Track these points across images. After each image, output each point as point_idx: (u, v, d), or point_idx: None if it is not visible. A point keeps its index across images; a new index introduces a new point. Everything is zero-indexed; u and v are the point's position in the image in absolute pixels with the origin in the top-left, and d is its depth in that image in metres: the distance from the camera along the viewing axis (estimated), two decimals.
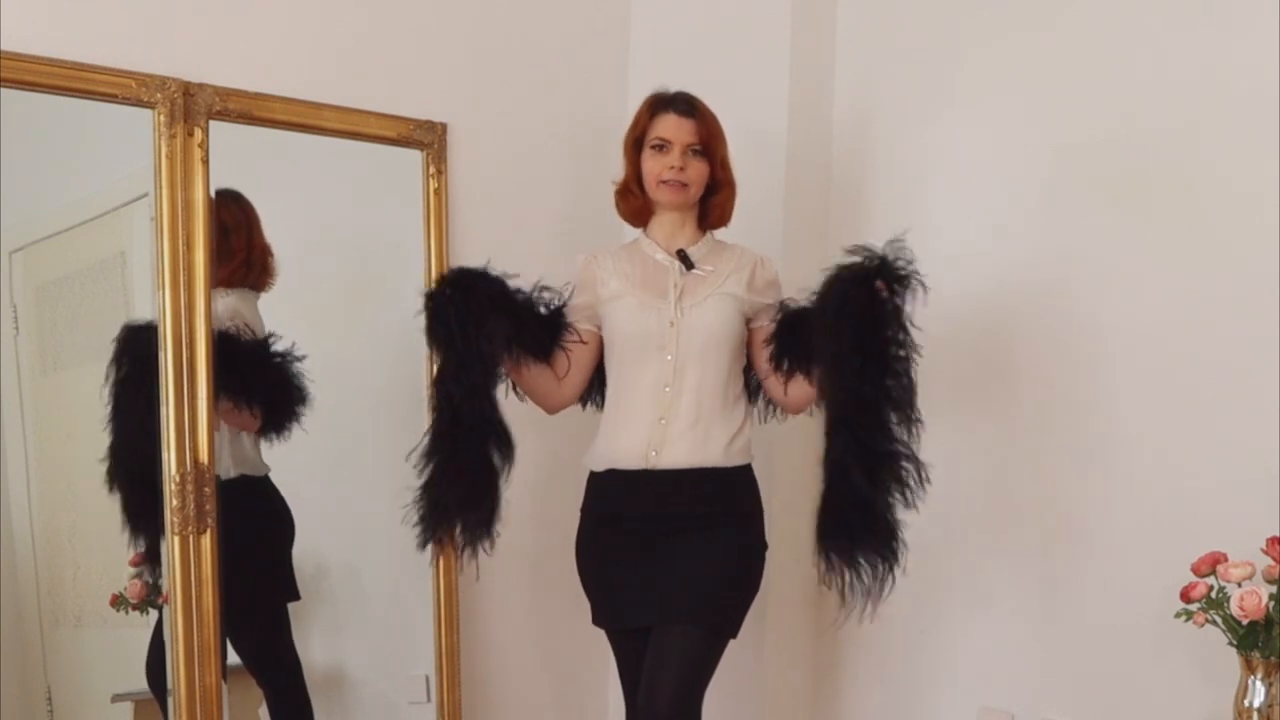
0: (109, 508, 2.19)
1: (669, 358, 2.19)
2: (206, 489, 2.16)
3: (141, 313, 2.19)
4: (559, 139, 2.77)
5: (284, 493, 2.38)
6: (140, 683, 2.25)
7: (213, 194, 2.20)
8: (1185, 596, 2.08)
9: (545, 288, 2.29)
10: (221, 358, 2.20)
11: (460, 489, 2.14)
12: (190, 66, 2.18)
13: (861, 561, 2.06)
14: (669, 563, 2.16)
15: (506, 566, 2.45)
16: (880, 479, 2.03)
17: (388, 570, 2.59)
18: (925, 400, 2.07)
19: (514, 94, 2.69)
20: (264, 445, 2.36)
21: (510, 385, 2.28)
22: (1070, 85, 2.43)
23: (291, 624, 2.43)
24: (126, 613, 2.22)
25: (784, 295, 2.30)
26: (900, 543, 2.08)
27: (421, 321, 2.16)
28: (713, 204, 2.26)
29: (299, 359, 2.32)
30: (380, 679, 2.63)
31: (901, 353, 2.01)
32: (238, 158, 2.23)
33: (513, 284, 2.23)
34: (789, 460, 2.69)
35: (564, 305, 2.31)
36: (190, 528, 2.15)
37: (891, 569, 2.07)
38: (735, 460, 2.21)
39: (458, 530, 2.17)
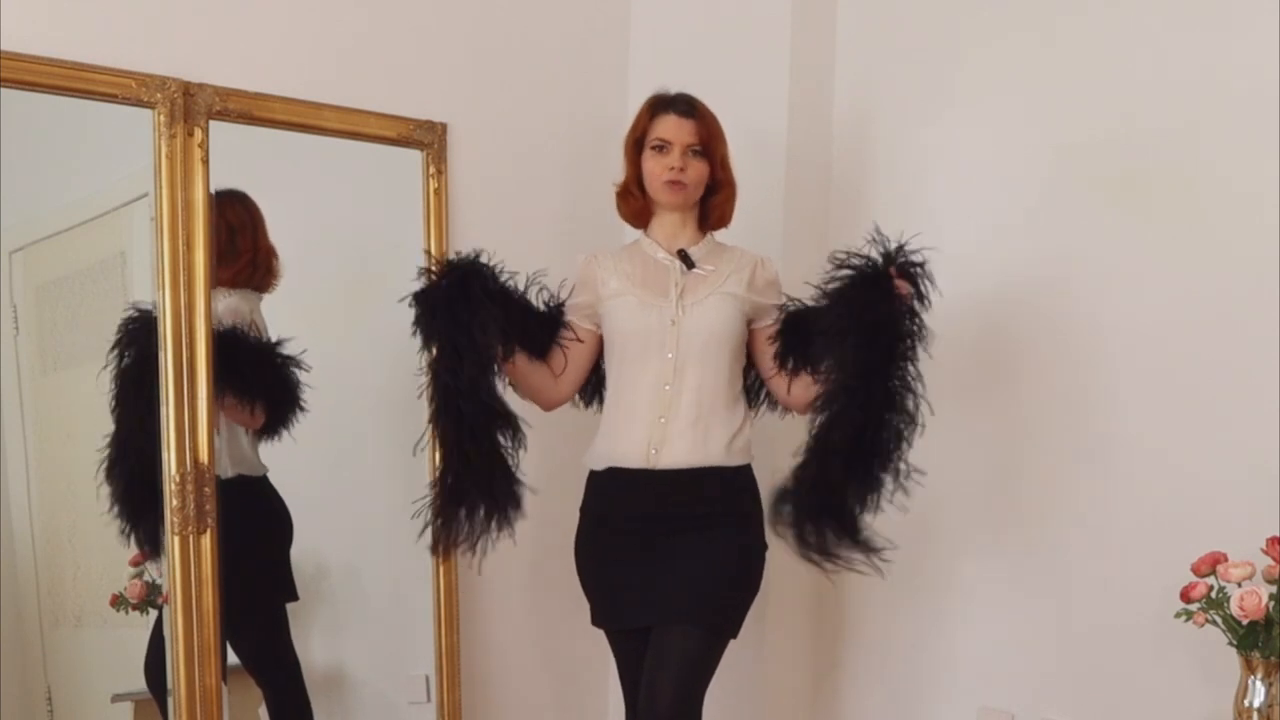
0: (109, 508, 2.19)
1: (669, 356, 2.19)
2: (206, 489, 2.16)
3: None
4: (559, 139, 2.77)
5: (284, 493, 2.38)
6: (140, 683, 2.25)
7: (214, 194, 2.20)
8: (1185, 596, 2.08)
9: (540, 281, 2.29)
10: (227, 355, 2.20)
11: (471, 481, 2.15)
12: (190, 66, 2.18)
13: (807, 534, 2.10)
14: (669, 563, 2.16)
15: (506, 566, 2.45)
16: (858, 471, 2.07)
17: (388, 570, 2.59)
18: (925, 400, 2.08)
19: (514, 94, 2.69)
20: (263, 445, 2.36)
21: (505, 381, 2.28)
22: (1070, 85, 2.43)
23: (291, 624, 2.43)
24: (126, 613, 2.22)
25: (784, 295, 2.31)
26: (858, 536, 2.11)
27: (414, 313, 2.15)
28: (713, 204, 2.26)
29: (302, 366, 2.32)
30: (380, 679, 2.63)
31: (909, 350, 2.04)
32: (238, 158, 2.23)
33: (508, 280, 2.23)
34: (789, 460, 2.69)
35: (562, 303, 2.31)
36: (190, 528, 2.15)
37: (841, 546, 2.11)
38: (735, 460, 2.21)
39: (474, 521, 2.17)
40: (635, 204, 2.28)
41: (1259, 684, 2.04)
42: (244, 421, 2.31)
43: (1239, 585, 2.02)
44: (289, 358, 2.32)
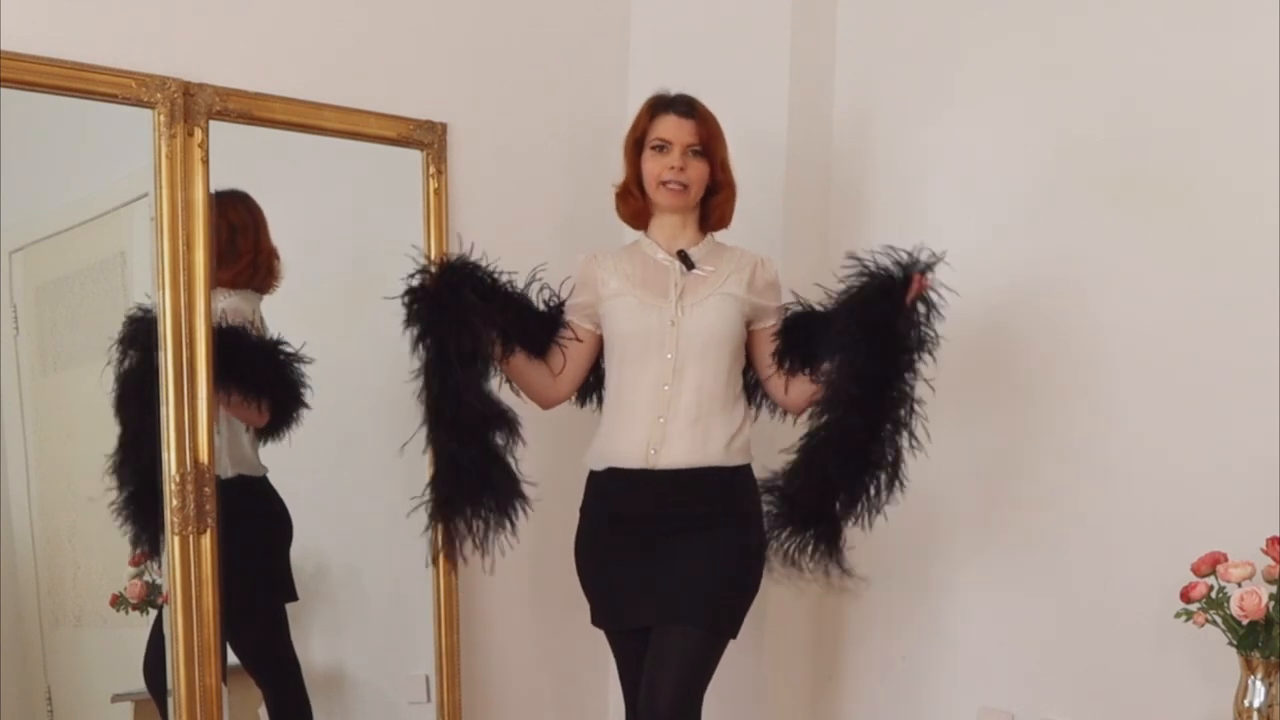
0: (109, 508, 2.19)
1: (669, 356, 2.19)
2: (206, 489, 2.16)
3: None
4: (559, 139, 2.77)
5: (284, 493, 2.38)
6: (140, 683, 2.25)
7: (216, 194, 2.20)
8: (1185, 596, 2.08)
9: (540, 278, 2.29)
10: (231, 353, 2.20)
11: (463, 491, 2.15)
12: (190, 66, 2.18)
13: (793, 541, 2.13)
14: (669, 563, 2.16)
15: (506, 566, 2.44)
16: (849, 479, 2.08)
17: (388, 570, 2.59)
18: (923, 399, 2.08)
19: (514, 94, 2.69)
20: (264, 445, 2.36)
21: (503, 379, 2.28)
22: (1070, 85, 2.44)
23: (291, 624, 2.42)
24: (126, 613, 2.22)
25: (784, 295, 2.31)
26: (842, 540, 2.13)
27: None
28: (713, 205, 2.26)
29: (305, 360, 2.32)
30: (380, 679, 2.63)
31: (912, 363, 2.06)
32: (238, 158, 2.23)
33: (506, 279, 2.23)
34: (789, 460, 2.69)
35: (562, 302, 2.31)
36: (190, 528, 2.15)
37: (827, 559, 2.13)
38: (735, 460, 2.21)
39: (474, 526, 2.17)
40: (635, 204, 2.28)
41: (1259, 684, 2.04)
42: (250, 419, 2.31)
43: (1239, 585, 2.02)
44: (293, 354, 2.32)
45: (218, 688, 2.19)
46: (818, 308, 2.25)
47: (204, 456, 2.16)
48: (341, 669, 2.56)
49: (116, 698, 2.29)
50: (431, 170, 2.53)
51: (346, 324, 2.52)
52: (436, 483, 2.18)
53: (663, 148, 2.20)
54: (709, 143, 2.21)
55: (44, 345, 2.22)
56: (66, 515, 2.27)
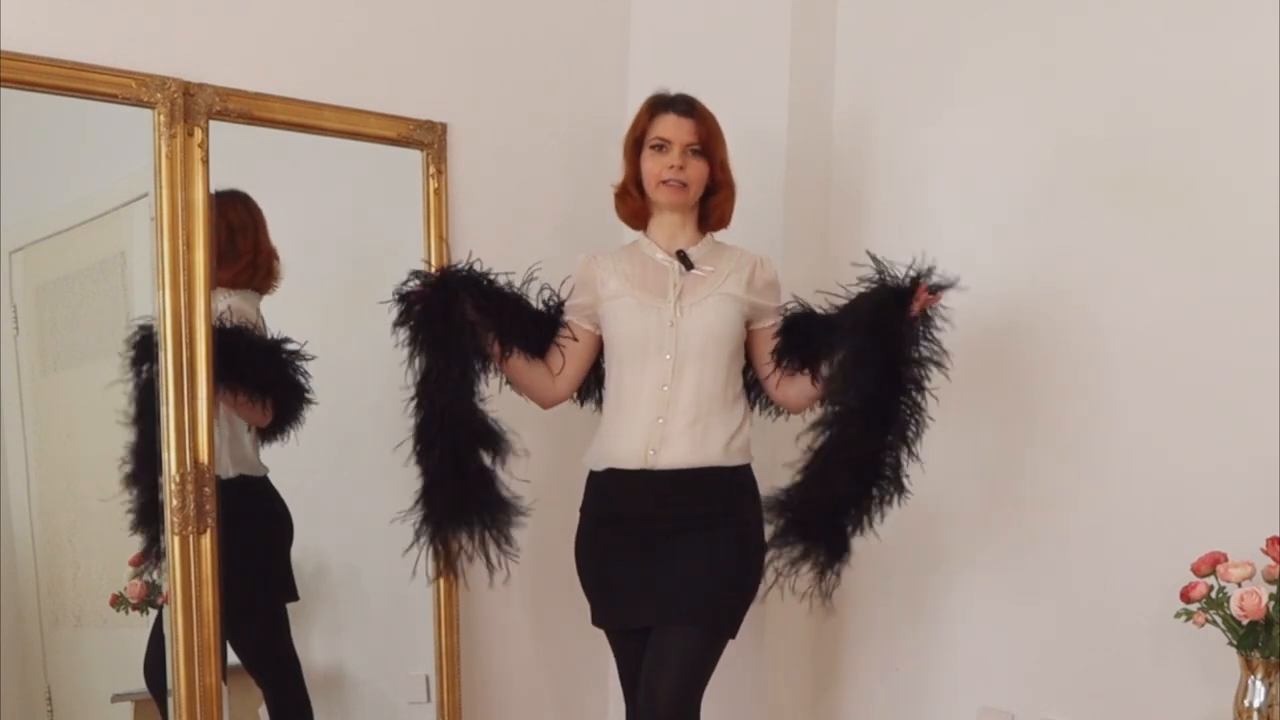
0: (109, 508, 2.19)
1: (668, 357, 2.19)
2: (206, 489, 2.16)
3: (142, 313, 2.19)
4: (559, 139, 2.77)
5: (284, 493, 2.38)
6: (140, 683, 2.25)
7: (215, 194, 2.20)
8: (1185, 596, 2.08)
9: (534, 277, 2.29)
10: (230, 352, 2.20)
11: (454, 500, 2.15)
12: (190, 66, 2.18)
13: (797, 552, 2.13)
14: (669, 563, 2.16)
15: (506, 567, 2.44)
16: (855, 491, 2.09)
17: (388, 570, 2.58)
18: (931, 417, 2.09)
19: (514, 94, 2.69)
20: (265, 445, 2.36)
21: (503, 379, 2.29)
22: (1070, 85, 2.43)
23: (291, 624, 2.43)
24: (126, 613, 2.22)
25: (784, 295, 2.31)
26: (848, 556, 2.13)
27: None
28: (712, 205, 2.26)
29: (307, 357, 2.32)
30: (380, 679, 2.63)
31: (918, 374, 2.06)
32: (238, 158, 2.23)
33: (505, 280, 2.24)
34: (789, 460, 2.69)
35: (561, 302, 2.31)
36: (190, 528, 2.15)
37: (828, 574, 2.14)
38: (734, 460, 2.21)
39: (460, 543, 2.18)
40: (634, 204, 2.28)
41: (1259, 684, 2.04)
42: (254, 418, 2.31)
43: (1239, 585, 2.02)
44: (294, 352, 2.32)
45: (218, 687, 2.19)
46: (817, 309, 2.25)
47: (204, 456, 2.16)
48: (341, 669, 2.56)
49: (116, 698, 2.29)
50: (431, 170, 2.53)
51: (346, 324, 2.52)
52: (421, 503, 2.17)
53: (662, 147, 2.20)
54: (708, 142, 2.21)
55: (44, 345, 2.22)
56: (66, 515, 2.27)
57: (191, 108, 2.16)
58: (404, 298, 2.15)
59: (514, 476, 2.22)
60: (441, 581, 2.53)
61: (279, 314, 2.35)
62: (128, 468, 2.17)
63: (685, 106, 2.21)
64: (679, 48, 2.83)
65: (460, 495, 2.16)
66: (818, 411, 2.38)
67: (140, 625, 2.22)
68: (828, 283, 2.22)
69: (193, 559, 2.16)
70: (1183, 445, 2.28)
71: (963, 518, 2.61)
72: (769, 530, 2.16)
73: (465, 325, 2.15)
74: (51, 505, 2.25)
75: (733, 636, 2.20)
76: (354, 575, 2.55)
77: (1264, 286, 2.17)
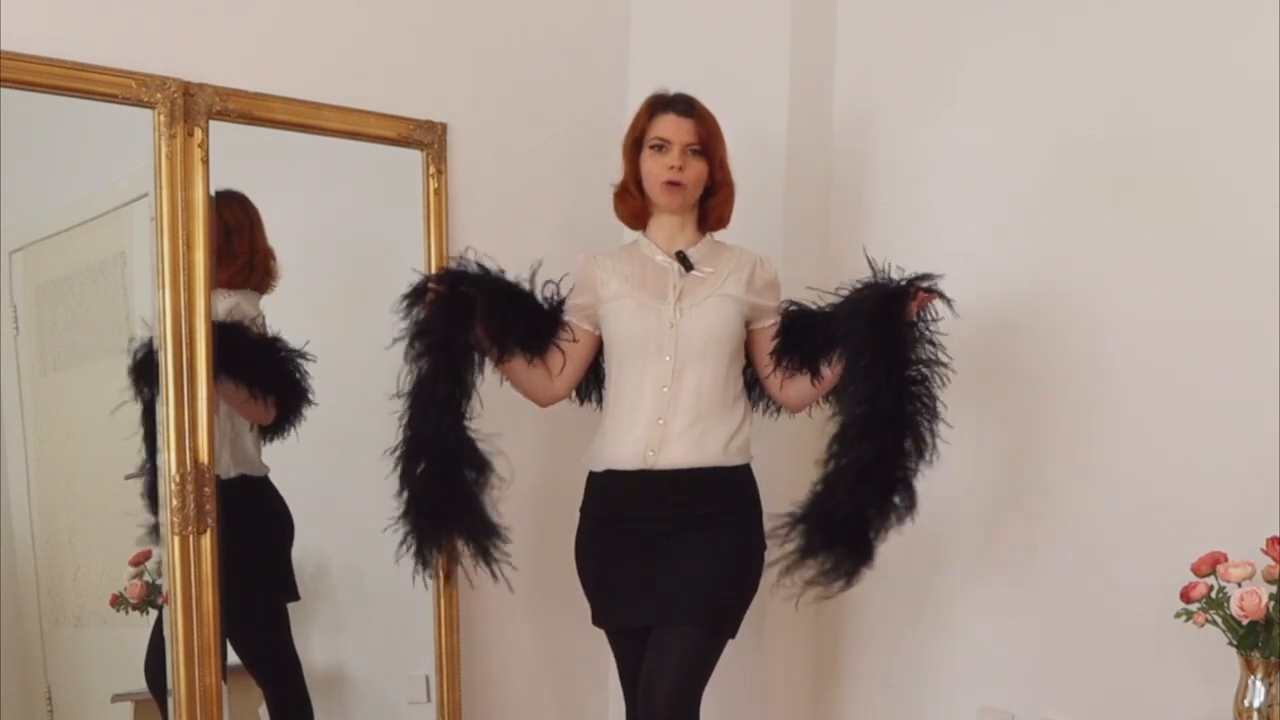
0: (109, 508, 2.19)
1: (668, 359, 2.19)
2: (206, 489, 2.16)
3: (142, 313, 2.19)
4: (559, 139, 2.77)
5: (284, 493, 2.38)
6: (140, 683, 2.25)
7: (213, 194, 2.20)
8: (1185, 596, 2.08)
9: (547, 278, 2.30)
10: (232, 349, 2.20)
11: (434, 517, 2.16)
12: (190, 66, 2.18)
13: (821, 562, 2.11)
14: (668, 563, 2.16)
15: (506, 567, 2.44)
16: (877, 500, 2.08)
17: (388, 570, 2.58)
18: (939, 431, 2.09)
19: (514, 94, 2.69)
20: (264, 444, 2.36)
21: (501, 379, 2.29)
22: (1070, 85, 2.43)
23: (291, 624, 2.43)
24: (126, 613, 2.22)
25: (784, 295, 2.31)
26: (870, 562, 2.13)
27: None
28: (711, 205, 2.26)
29: (308, 357, 2.32)
30: (380, 679, 2.63)
31: (923, 373, 2.06)
32: (238, 158, 2.23)
33: (513, 278, 2.25)
34: (789, 460, 2.69)
35: (561, 302, 2.31)
36: (190, 528, 2.15)
37: (848, 580, 2.13)
38: (734, 460, 2.21)
39: (442, 553, 2.19)
40: (634, 204, 2.28)
41: (1259, 684, 2.04)
42: (256, 416, 2.31)
43: (1239, 585, 2.02)
44: (294, 350, 2.32)
45: (218, 687, 2.19)
46: (813, 307, 2.25)
47: (204, 456, 2.16)
48: (341, 669, 2.56)
49: (116, 698, 2.29)
50: (431, 170, 2.53)
51: (346, 324, 2.52)
52: (403, 516, 2.18)
53: (662, 147, 2.20)
54: (708, 142, 2.21)
55: (44, 345, 2.22)
56: (66, 515, 2.27)
57: (191, 108, 2.16)
58: (414, 294, 2.15)
59: (498, 486, 2.21)
60: (441, 582, 2.53)
61: (279, 314, 2.35)
62: (144, 478, 2.17)
63: (685, 106, 2.21)
64: (679, 48, 2.83)
65: (440, 512, 2.16)
66: (817, 411, 2.39)
67: (140, 625, 2.22)
68: (828, 283, 2.22)
69: (193, 559, 2.16)
70: (1183, 445, 2.28)
71: (963, 518, 2.61)
72: (791, 546, 2.13)
73: (464, 348, 2.16)
74: (51, 505, 2.25)
75: (732, 636, 2.20)
76: (354, 575, 2.55)
77: (1264, 286, 2.17)
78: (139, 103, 2.11)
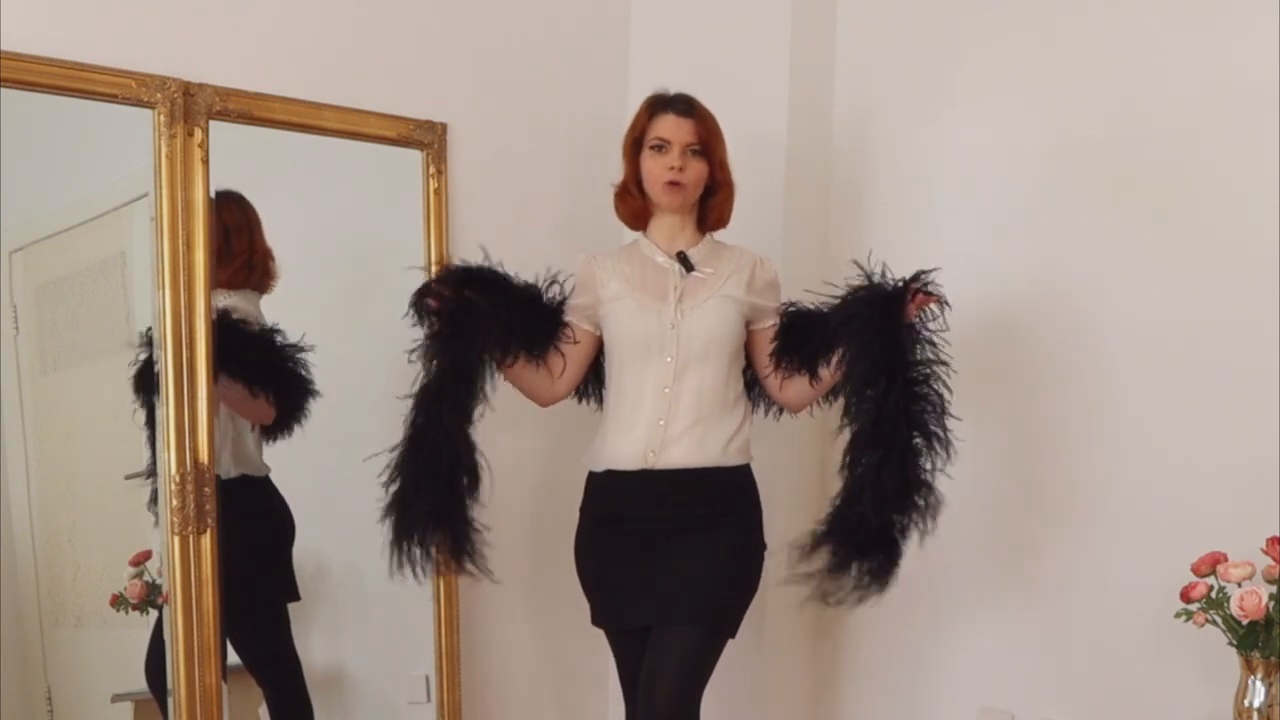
0: (109, 508, 2.19)
1: (669, 360, 2.19)
2: (206, 489, 2.16)
3: (142, 313, 2.19)
4: (559, 139, 2.77)
5: (284, 493, 2.38)
6: (140, 683, 2.25)
7: (213, 194, 2.20)
8: (1185, 596, 2.08)
9: (553, 278, 2.30)
10: (231, 348, 2.20)
11: (421, 514, 2.13)
12: (190, 66, 2.18)
13: (853, 574, 2.09)
14: (668, 563, 2.16)
15: (506, 567, 2.44)
16: (899, 505, 2.06)
17: (388, 570, 2.58)
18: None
19: (514, 94, 2.69)
20: (268, 444, 2.36)
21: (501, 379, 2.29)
22: (1070, 85, 2.43)
23: (291, 624, 2.43)
24: (126, 613, 2.22)
25: (784, 295, 2.31)
26: (898, 565, 2.11)
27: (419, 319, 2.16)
28: (711, 205, 2.26)
29: (306, 350, 2.32)
30: (380, 679, 2.63)
31: (925, 373, 2.05)
32: (238, 158, 2.23)
33: (521, 279, 2.24)
34: (789, 460, 2.69)
35: (562, 302, 2.31)
36: (190, 528, 2.15)
37: (882, 586, 2.11)
38: (734, 460, 2.21)
39: (425, 551, 2.17)
40: (634, 204, 2.28)
41: (1259, 684, 2.04)
42: (258, 414, 2.30)
43: (1239, 585, 2.02)
44: (293, 345, 2.32)
45: (218, 687, 2.19)
46: (812, 307, 2.25)
47: (204, 456, 2.16)
48: (341, 669, 2.56)
49: (116, 698, 2.29)
50: (431, 170, 2.53)
51: (346, 324, 2.52)
52: (388, 511, 2.15)
53: (662, 147, 2.20)
54: (708, 142, 2.21)
55: (44, 345, 2.22)
56: (66, 515, 2.27)
57: (191, 108, 2.16)
58: (422, 294, 2.15)
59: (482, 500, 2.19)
60: (442, 582, 2.53)
61: (279, 314, 2.35)
62: (152, 480, 2.17)
63: (685, 106, 2.21)
64: (679, 48, 2.83)
65: (428, 510, 2.13)
66: (817, 411, 2.39)
67: (140, 625, 2.22)
68: (829, 284, 2.21)
69: (193, 559, 2.16)
70: (1183, 445, 2.28)
71: (963, 518, 2.60)
72: (820, 561, 2.11)
73: (478, 358, 2.14)
74: (51, 505, 2.25)
75: (732, 636, 2.20)
76: (354, 575, 2.55)
77: (1264, 286, 2.17)
78: (139, 103, 2.11)
